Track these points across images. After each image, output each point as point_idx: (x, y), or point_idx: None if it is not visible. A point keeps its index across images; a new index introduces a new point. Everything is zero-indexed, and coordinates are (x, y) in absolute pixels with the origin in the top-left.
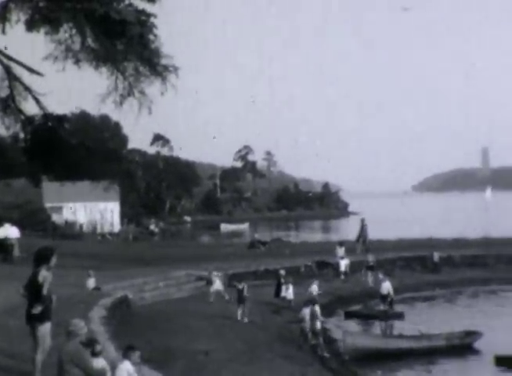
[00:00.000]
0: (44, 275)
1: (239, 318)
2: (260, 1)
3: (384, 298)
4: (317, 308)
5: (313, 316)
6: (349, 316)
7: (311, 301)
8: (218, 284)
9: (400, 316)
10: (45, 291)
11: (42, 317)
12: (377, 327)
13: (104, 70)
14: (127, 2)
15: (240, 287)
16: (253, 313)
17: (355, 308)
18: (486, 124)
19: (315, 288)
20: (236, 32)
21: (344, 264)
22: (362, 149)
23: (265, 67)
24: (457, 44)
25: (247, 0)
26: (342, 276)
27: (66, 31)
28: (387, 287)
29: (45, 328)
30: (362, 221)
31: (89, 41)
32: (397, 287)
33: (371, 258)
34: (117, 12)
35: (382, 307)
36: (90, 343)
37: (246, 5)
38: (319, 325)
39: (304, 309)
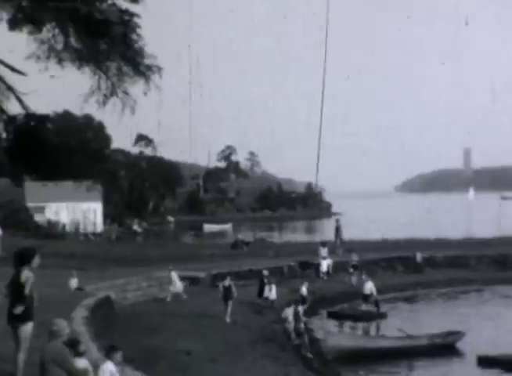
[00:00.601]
0: (26, 275)
1: (226, 319)
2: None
3: (366, 298)
4: (300, 308)
5: (297, 315)
6: (332, 316)
7: (295, 302)
8: (178, 285)
9: (383, 316)
10: (27, 291)
11: (24, 317)
12: (360, 327)
13: (87, 69)
14: (110, 2)
15: (227, 284)
16: (236, 313)
17: (338, 308)
18: (468, 126)
19: (304, 290)
20: (220, 31)
21: (325, 264)
22: (346, 149)
23: (248, 66)
24: (441, 46)
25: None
26: (324, 276)
27: (49, 31)
28: (369, 287)
29: (27, 328)
30: (337, 221)
31: (72, 40)
32: (380, 288)
33: (355, 258)
34: (100, 12)
35: (364, 307)
36: (73, 343)
37: (228, 5)
38: (302, 325)
39: (287, 309)
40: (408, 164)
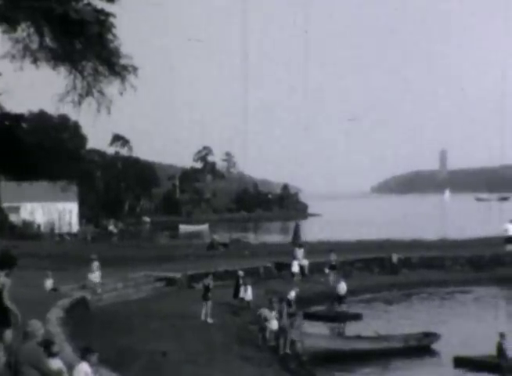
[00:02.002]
0: (2, 281)
1: (202, 318)
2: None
3: (340, 298)
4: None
5: (281, 314)
6: (307, 317)
7: (280, 300)
8: (96, 275)
9: (358, 317)
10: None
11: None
12: (335, 328)
13: (62, 69)
14: (85, 2)
15: (206, 283)
16: (212, 314)
17: (314, 309)
18: (444, 127)
19: (292, 295)
20: (196, 31)
21: (297, 264)
22: (322, 150)
23: (223, 67)
24: (419, 46)
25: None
26: (296, 277)
27: (23, 30)
28: (343, 287)
29: (7, 333)
30: (297, 224)
31: (47, 40)
32: (355, 289)
33: (333, 258)
34: (75, 12)
35: (339, 308)
36: (46, 344)
37: (207, 4)
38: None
39: (262, 309)
40: (384, 166)
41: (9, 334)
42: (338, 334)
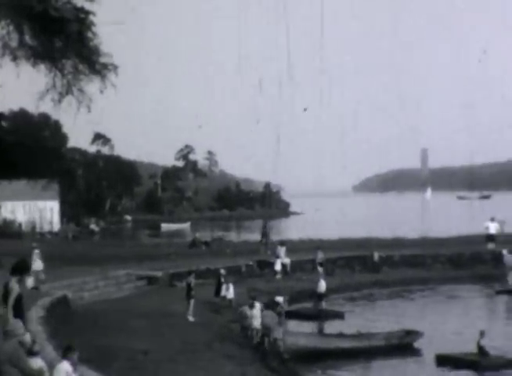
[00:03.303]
0: (11, 286)
1: (187, 316)
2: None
3: (320, 296)
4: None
5: (264, 313)
6: (289, 315)
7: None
8: (38, 264)
9: (340, 315)
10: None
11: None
12: (316, 326)
13: (42, 67)
14: (65, 0)
15: (189, 281)
16: (193, 312)
17: (296, 307)
18: (425, 126)
19: (280, 299)
20: (179, 30)
21: (280, 263)
22: (304, 149)
23: (206, 64)
24: (395, 44)
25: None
26: (278, 275)
27: (3, 28)
28: (323, 285)
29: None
30: (265, 223)
31: (27, 38)
32: (337, 287)
33: (320, 256)
34: (55, 10)
35: (319, 306)
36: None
37: (189, 3)
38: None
39: (244, 307)
40: (365, 164)
41: None
42: (318, 332)
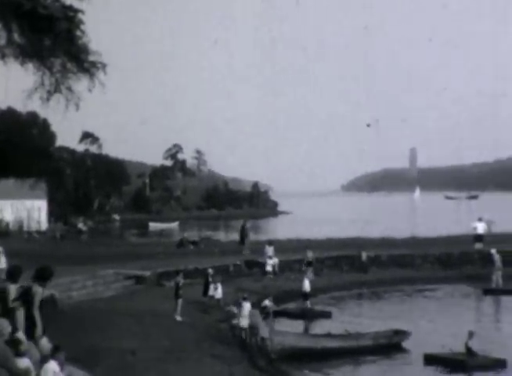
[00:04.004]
0: (34, 291)
1: (175, 315)
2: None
3: (305, 296)
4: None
5: (251, 313)
6: (277, 315)
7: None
8: (2, 261)
9: (327, 315)
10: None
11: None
12: (303, 325)
13: (30, 65)
14: None
15: (177, 281)
16: (182, 312)
17: (283, 306)
18: (414, 125)
19: (267, 303)
20: (169, 29)
21: (271, 263)
22: (292, 148)
23: (195, 63)
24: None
25: None
26: (270, 275)
27: None
28: (307, 284)
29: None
30: (244, 224)
31: (15, 36)
32: (325, 287)
33: (310, 255)
34: (43, 7)
35: (305, 305)
36: (14, 343)
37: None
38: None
39: (231, 306)
40: (354, 164)
41: None
42: (305, 331)
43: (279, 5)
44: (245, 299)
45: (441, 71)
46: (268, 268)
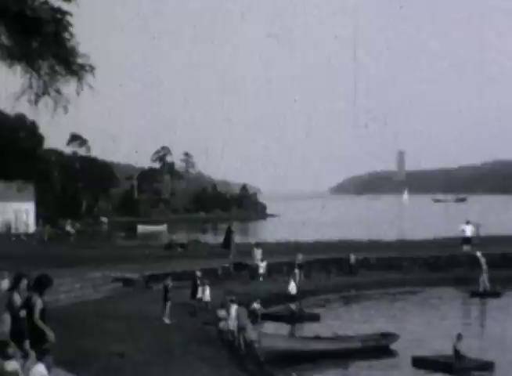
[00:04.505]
0: (34, 301)
1: (163, 318)
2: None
3: (291, 298)
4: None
5: (239, 315)
6: (265, 317)
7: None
8: None
9: (316, 317)
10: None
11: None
12: (291, 328)
13: (18, 68)
14: (42, 0)
15: (166, 284)
16: (170, 314)
17: (272, 309)
18: (402, 128)
19: (256, 306)
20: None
21: (263, 266)
22: (281, 151)
23: (182, 65)
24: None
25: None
26: (261, 279)
27: None
28: (293, 287)
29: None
30: (229, 227)
31: (3, 38)
32: (313, 289)
33: (300, 257)
34: (31, 10)
35: (292, 308)
36: (1, 346)
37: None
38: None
39: (219, 309)
40: (342, 167)
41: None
42: (293, 334)
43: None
44: (232, 301)
45: (429, 75)
46: (261, 270)
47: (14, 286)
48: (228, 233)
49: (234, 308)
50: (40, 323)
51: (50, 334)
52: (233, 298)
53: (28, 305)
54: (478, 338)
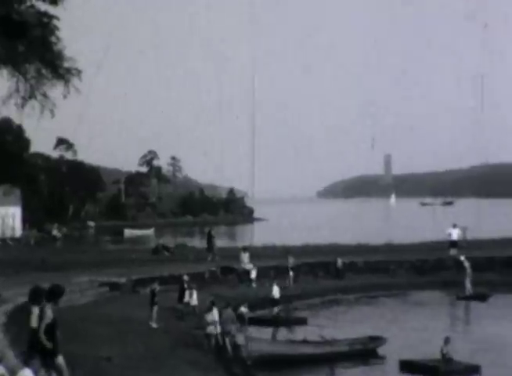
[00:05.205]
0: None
1: (150, 322)
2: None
3: (275, 302)
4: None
5: (241, 318)
6: (252, 321)
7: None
8: None
9: (303, 321)
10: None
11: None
12: (279, 332)
13: (5, 72)
14: (28, 4)
15: (153, 288)
16: (157, 319)
17: (259, 313)
18: (388, 132)
19: (244, 310)
20: (144, 35)
21: (255, 271)
22: (268, 155)
23: (168, 70)
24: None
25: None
26: (254, 284)
27: None
28: (277, 291)
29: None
30: (209, 231)
31: None
32: (300, 293)
33: (291, 261)
34: (18, 14)
35: (276, 312)
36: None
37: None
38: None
39: (206, 313)
40: (329, 170)
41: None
42: (272, 338)
43: None
44: (213, 304)
45: (417, 79)
46: (253, 275)
47: (33, 298)
48: (210, 238)
49: (214, 311)
50: (43, 339)
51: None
52: (214, 300)
53: (41, 316)
54: (465, 341)
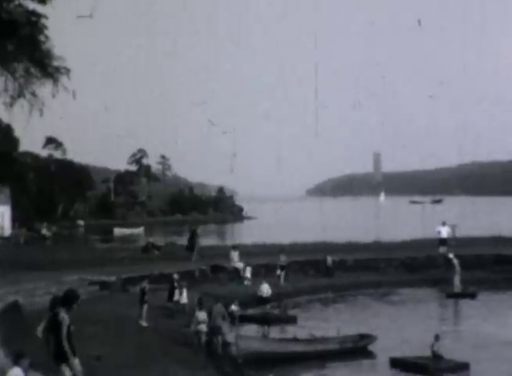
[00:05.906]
0: (62, 317)
1: (140, 321)
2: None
3: (263, 300)
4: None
5: (232, 315)
6: (242, 319)
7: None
8: None
9: (293, 319)
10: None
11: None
12: (268, 330)
13: None
14: (17, 3)
15: (142, 286)
16: (147, 317)
17: (249, 311)
18: (378, 130)
19: (235, 308)
20: (132, 35)
21: (248, 269)
22: (257, 153)
23: (157, 69)
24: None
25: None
26: (247, 282)
27: None
28: (267, 288)
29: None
30: (194, 230)
31: None
32: (290, 291)
33: (283, 259)
34: (6, 12)
35: (265, 310)
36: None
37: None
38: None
39: (197, 312)
40: (319, 169)
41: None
42: (263, 336)
43: None
44: (201, 302)
45: (406, 77)
46: (248, 274)
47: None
48: (193, 236)
49: (203, 310)
50: (65, 344)
51: (73, 361)
52: (201, 297)
53: (56, 321)
54: (454, 338)
